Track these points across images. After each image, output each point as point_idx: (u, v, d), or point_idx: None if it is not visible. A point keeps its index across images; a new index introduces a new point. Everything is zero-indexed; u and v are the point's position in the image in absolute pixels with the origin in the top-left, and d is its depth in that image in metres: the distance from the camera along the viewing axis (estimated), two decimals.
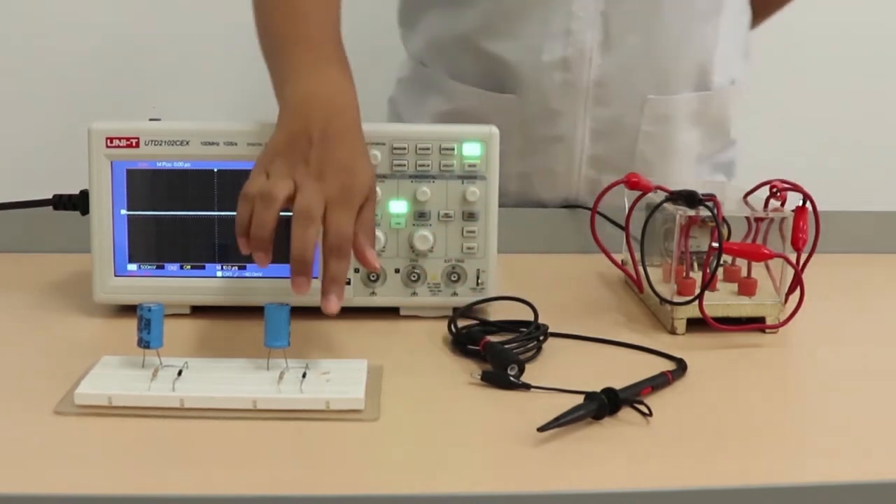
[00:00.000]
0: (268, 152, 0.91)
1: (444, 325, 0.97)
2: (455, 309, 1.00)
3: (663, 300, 1.00)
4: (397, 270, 1.01)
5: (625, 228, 1.09)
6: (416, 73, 1.39)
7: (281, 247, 1.01)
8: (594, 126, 1.28)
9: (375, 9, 1.52)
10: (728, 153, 1.43)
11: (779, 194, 1.02)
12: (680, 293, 1.00)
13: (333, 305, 0.87)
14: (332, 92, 0.94)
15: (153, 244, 1.00)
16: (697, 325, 0.98)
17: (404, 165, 1.00)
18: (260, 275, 1.00)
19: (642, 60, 1.27)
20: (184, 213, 1.00)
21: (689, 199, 0.99)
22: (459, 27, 1.29)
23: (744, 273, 1.03)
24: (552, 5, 1.24)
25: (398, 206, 1.00)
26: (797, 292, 1.00)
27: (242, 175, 0.99)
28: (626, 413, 0.80)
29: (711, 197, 0.98)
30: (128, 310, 0.98)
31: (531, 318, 0.97)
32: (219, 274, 1.01)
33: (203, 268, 1.01)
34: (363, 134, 0.94)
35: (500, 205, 1.01)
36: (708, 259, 0.97)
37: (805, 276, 1.00)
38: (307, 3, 1.01)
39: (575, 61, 1.25)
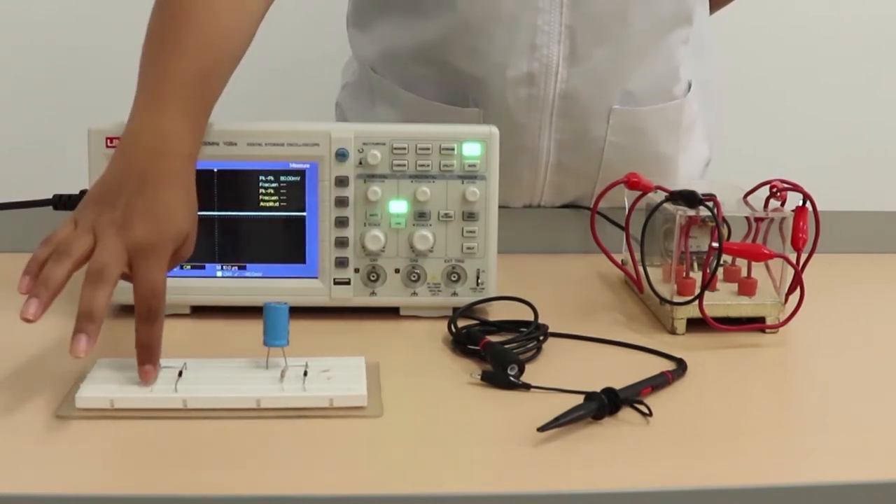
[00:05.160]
0: (85, 199, 0.87)
1: (444, 325, 0.97)
2: (455, 309, 1.00)
3: (663, 300, 1.00)
4: (397, 270, 1.01)
5: (625, 228, 1.09)
6: (365, 80, 1.34)
7: (273, 247, 1.01)
8: (559, 137, 1.25)
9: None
10: (706, 155, 1.41)
11: (779, 194, 1.02)
12: (680, 293, 1.00)
13: (148, 375, 0.80)
14: (163, 137, 0.89)
15: None
16: (697, 325, 0.98)
17: (404, 165, 1.00)
18: (260, 275, 1.01)
19: (609, 72, 1.23)
20: None
21: (689, 199, 0.99)
22: (419, 39, 1.25)
23: (744, 273, 1.03)
24: (518, 20, 1.19)
25: (398, 206, 1.00)
26: (797, 292, 1.00)
27: (242, 175, 1.00)
28: (626, 413, 0.80)
29: (711, 197, 0.98)
30: (127, 310, 0.98)
31: (531, 318, 0.97)
32: (219, 274, 1.01)
33: (203, 268, 1.01)
34: (192, 182, 0.90)
35: None
36: (708, 259, 0.97)
37: (805, 276, 1.00)
38: (181, 37, 0.95)
39: (540, 76, 1.21)
